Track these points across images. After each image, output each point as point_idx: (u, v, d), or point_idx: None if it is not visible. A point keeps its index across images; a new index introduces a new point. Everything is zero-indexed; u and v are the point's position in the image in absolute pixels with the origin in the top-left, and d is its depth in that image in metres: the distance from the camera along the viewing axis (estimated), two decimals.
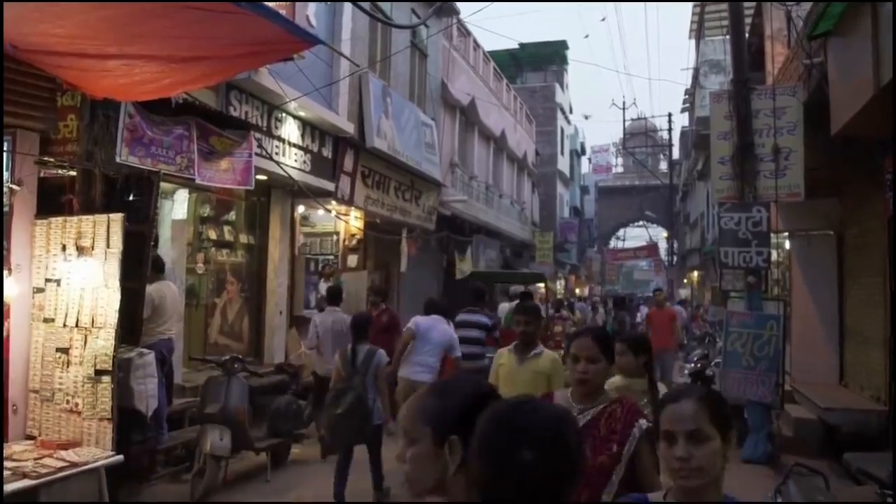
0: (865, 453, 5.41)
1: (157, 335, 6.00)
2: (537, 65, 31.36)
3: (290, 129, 8.48)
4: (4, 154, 4.42)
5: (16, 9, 3.31)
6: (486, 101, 17.43)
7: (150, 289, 5.73)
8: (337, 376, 5.37)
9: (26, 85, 4.44)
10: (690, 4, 22.41)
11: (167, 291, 6.18)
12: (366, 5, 8.70)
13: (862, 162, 6.90)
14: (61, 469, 3.97)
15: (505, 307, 11.98)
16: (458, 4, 14.89)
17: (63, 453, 4.18)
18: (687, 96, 29.43)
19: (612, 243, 45.94)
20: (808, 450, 6.70)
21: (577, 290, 30.88)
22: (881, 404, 6.88)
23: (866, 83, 4.91)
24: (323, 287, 9.31)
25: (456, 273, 15.28)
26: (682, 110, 32.26)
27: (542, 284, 14.51)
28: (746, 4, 9.73)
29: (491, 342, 7.54)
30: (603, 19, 57.36)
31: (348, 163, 10.05)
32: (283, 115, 8.29)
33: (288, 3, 7.50)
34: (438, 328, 6.57)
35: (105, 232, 4.51)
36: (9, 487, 3.65)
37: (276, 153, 8.08)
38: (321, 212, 9.82)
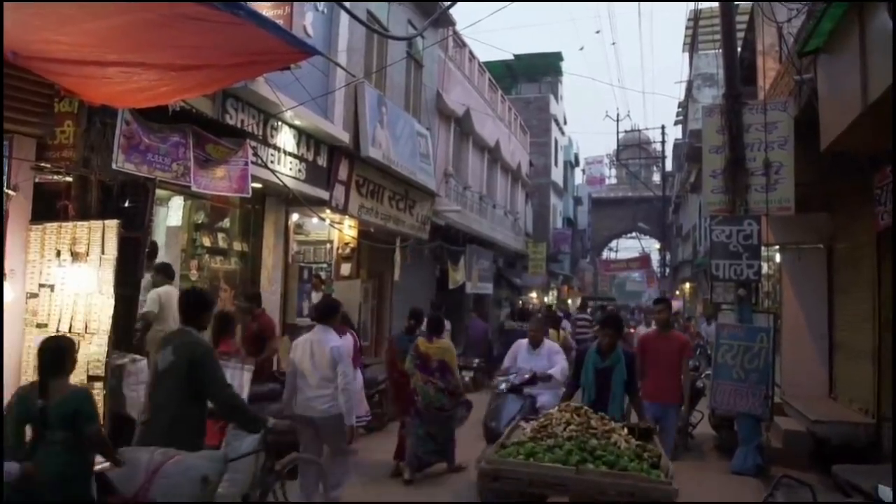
0: (854, 466, 5.45)
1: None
2: (532, 76, 31.59)
3: (285, 138, 8.51)
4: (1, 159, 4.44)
5: (18, 16, 3.32)
6: (481, 112, 17.52)
7: (160, 291, 6.11)
8: None
9: (24, 91, 4.45)
10: (685, 18, 22.64)
11: (173, 294, 6.23)
12: (363, 16, 8.77)
13: (852, 177, 6.99)
14: None
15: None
16: (455, 16, 15.02)
17: None
18: (680, 109, 29.69)
19: (605, 254, 46.14)
20: (797, 462, 6.74)
21: (570, 301, 30.90)
22: (869, 417, 6.94)
23: (854, 100, 4.99)
24: (315, 297, 9.30)
25: (449, 282, 15.33)
26: (676, 123, 32.57)
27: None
28: (738, 20, 9.86)
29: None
30: (597, 32, 58.01)
31: (343, 172, 10.09)
32: (279, 123, 8.32)
33: (286, 13, 7.53)
34: None
35: (100, 238, 4.53)
36: None
37: (272, 161, 8.10)
38: (315, 220, 9.84)
